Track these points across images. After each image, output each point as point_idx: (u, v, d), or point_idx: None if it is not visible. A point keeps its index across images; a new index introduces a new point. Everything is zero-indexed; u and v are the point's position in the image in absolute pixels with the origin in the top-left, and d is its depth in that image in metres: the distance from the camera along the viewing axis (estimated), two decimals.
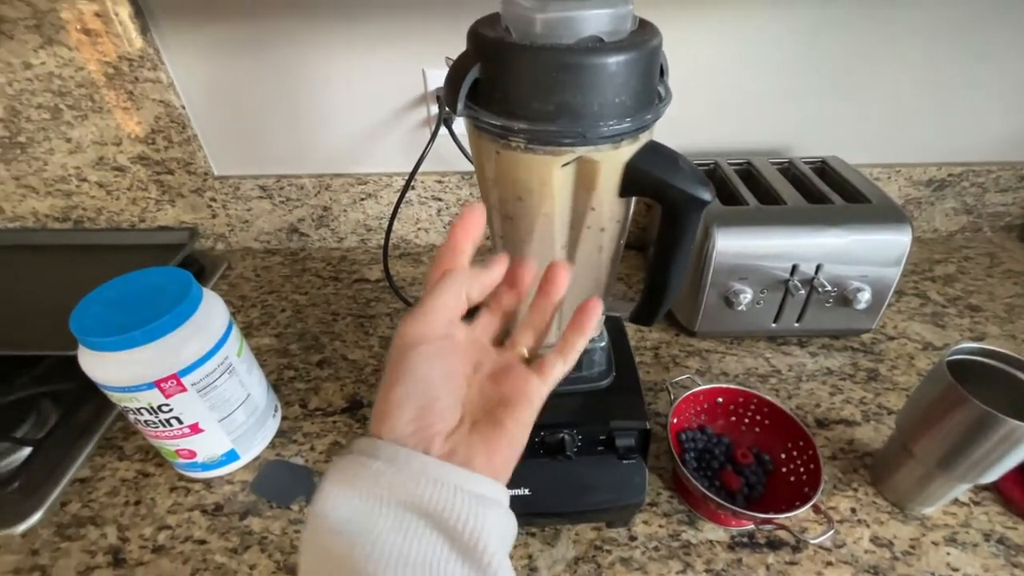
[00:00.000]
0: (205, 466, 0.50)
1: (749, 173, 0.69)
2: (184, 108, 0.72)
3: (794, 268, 0.59)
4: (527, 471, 0.41)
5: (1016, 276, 0.77)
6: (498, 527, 0.22)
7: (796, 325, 0.64)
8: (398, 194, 0.75)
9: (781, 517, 0.42)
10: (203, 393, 0.45)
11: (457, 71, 0.27)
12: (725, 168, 0.69)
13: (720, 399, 0.52)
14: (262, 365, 0.65)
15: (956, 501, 0.49)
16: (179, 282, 0.45)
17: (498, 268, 0.26)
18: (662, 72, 0.30)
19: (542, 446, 0.41)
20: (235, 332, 0.49)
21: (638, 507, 0.44)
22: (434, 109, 0.72)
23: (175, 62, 0.69)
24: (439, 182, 0.78)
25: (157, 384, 0.42)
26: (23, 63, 0.67)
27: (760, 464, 0.49)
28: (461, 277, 0.25)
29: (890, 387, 0.61)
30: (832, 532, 0.44)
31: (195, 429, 0.47)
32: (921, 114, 0.74)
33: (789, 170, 0.69)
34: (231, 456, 0.51)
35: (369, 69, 0.69)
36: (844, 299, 0.60)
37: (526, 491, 0.41)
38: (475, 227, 0.26)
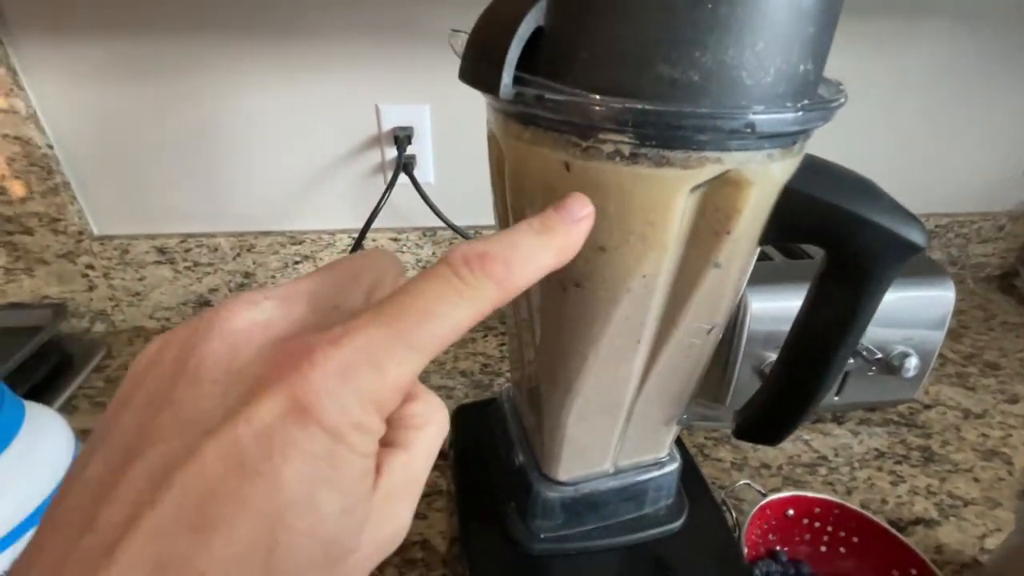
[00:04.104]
0: None
1: None
2: (51, 148, 0.55)
3: None
4: None
5: (1016, 329, 0.73)
6: None
7: (835, 399, 0.54)
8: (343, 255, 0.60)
9: None
10: None
11: (499, 20, 0.15)
12: None
13: (791, 511, 0.40)
14: None
15: None
16: None
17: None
18: None
19: None
20: None
21: None
22: (389, 152, 0.59)
23: (40, 88, 0.52)
24: (395, 240, 0.64)
25: None
26: None
27: None
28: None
29: (951, 469, 0.51)
30: None
31: None
32: (910, 165, 0.71)
33: None
34: None
35: (305, 104, 0.56)
36: (889, 366, 0.52)
37: None
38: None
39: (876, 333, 0.50)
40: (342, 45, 0.53)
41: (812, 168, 0.17)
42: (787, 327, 0.47)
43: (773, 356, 0.50)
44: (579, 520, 0.27)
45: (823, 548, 0.40)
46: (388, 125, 0.57)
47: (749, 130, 0.14)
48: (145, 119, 0.55)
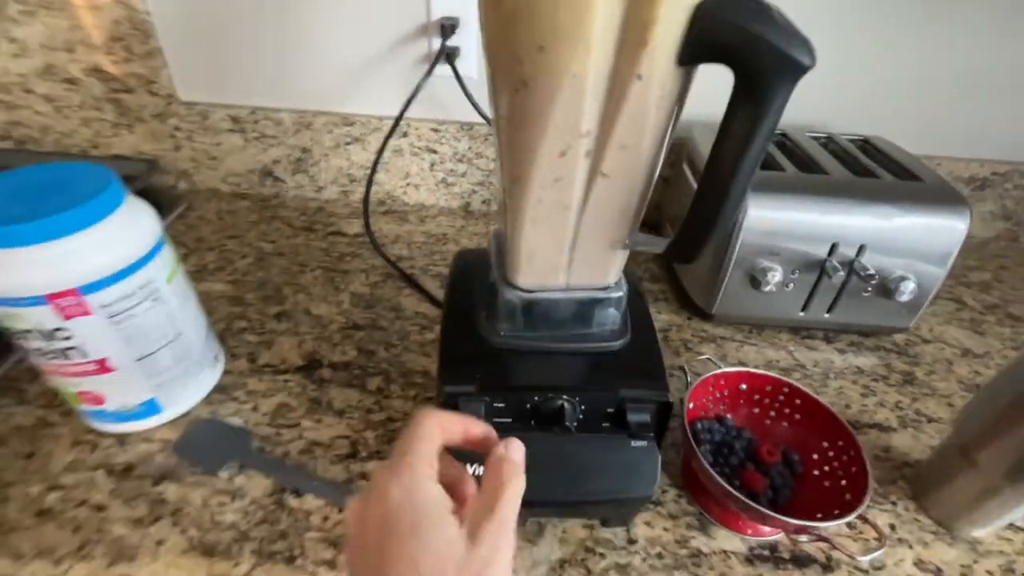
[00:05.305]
0: (117, 416, 0.41)
1: (784, 145, 0.61)
2: (148, 14, 0.63)
3: (833, 247, 0.51)
4: None
5: None
6: None
7: (826, 316, 0.56)
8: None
9: (824, 526, 0.33)
10: (115, 321, 0.36)
11: None
12: None
13: (743, 386, 0.44)
14: (210, 312, 0.56)
15: (1011, 526, 0.42)
16: (96, 179, 0.36)
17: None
18: None
19: (534, 415, 0.32)
20: (167, 253, 0.40)
21: (644, 502, 0.36)
22: (436, 42, 0.63)
23: None
24: (435, 131, 0.70)
25: (50, 299, 0.33)
26: None
27: (788, 464, 0.41)
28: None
29: (928, 392, 0.53)
30: (883, 550, 0.36)
31: (103, 367, 0.38)
32: (970, 103, 0.67)
33: (828, 144, 0.62)
34: (151, 408, 0.42)
35: None
36: (884, 289, 0.53)
37: None
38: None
39: (877, 255, 0.51)
40: None
41: None
42: (783, 239, 0.50)
43: (766, 262, 0.52)
44: (533, 326, 0.33)
45: (768, 421, 0.44)
46: (437, 14, 0.61)
47: None
48: None
